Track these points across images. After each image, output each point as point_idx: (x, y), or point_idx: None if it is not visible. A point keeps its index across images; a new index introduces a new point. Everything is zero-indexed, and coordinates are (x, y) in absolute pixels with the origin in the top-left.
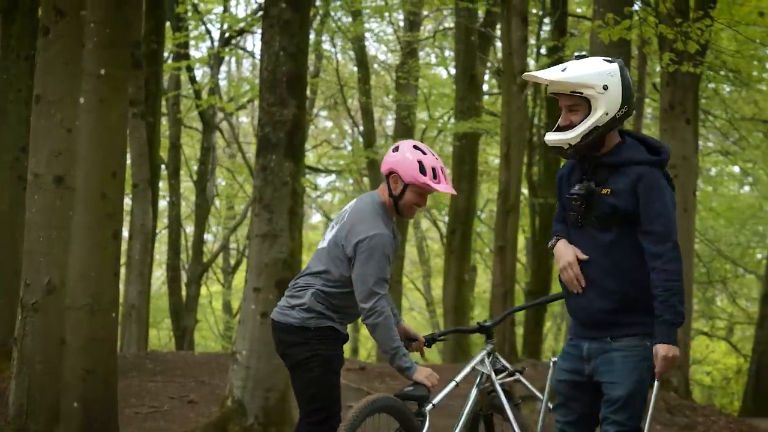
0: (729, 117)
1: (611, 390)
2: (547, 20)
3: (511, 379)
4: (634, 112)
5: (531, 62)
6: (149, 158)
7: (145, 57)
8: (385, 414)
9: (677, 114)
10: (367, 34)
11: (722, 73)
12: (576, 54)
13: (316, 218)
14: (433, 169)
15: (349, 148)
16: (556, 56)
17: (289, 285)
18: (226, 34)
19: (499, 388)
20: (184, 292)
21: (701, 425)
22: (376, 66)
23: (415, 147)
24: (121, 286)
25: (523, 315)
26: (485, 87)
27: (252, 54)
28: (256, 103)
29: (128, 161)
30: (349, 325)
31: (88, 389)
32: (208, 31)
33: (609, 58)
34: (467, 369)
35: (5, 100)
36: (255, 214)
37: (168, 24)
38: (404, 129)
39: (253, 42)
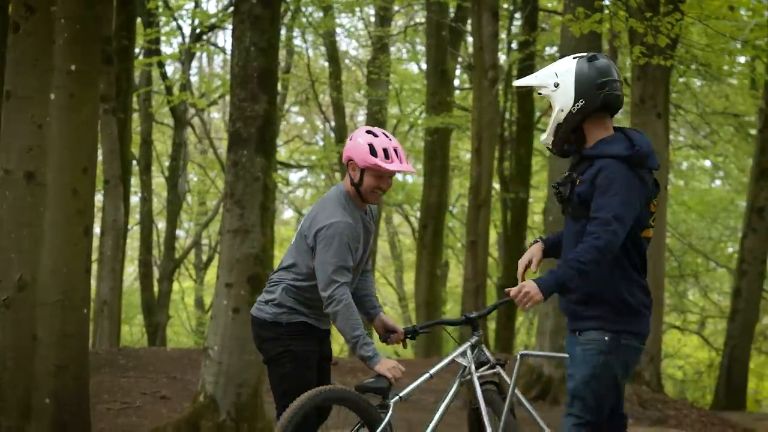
0: (700, 111)
1: (568, 382)
2: (517, 15)
3: (491, 372)
4: (601, 103)
5: (502, 57)
6: (120, 154)
7: (116, 53)
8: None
9: (648, 108)
10: (338, 30)
11: (693, 67)
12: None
13: (288, 214)
14: (385, 150)
15: (321, 143)
16: (527, 51)
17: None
18: (197, 30)
19: (476, 382)
20: (156, 288)
21: (673, 419)
22: (347, 61)
23: (368, 132)
24: (93, 283)
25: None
26: (456, 82)
27: (223, 50)
28: (228, 98)
29: (99, 157)
30: None
31: (60, 385)
32: (179, 27)
33: (579, 54)
34: (445, 361)
35: None
36: (226, 210)
37: (139, 20)
38: (376, 124)
39: (224, 38)
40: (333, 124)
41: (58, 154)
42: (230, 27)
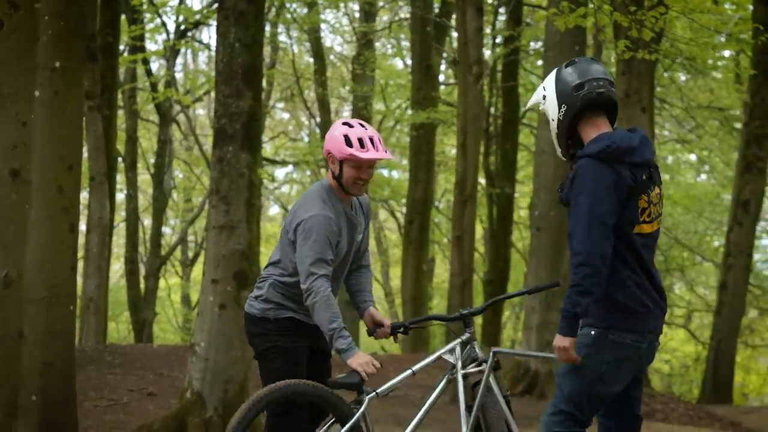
0: (685, 105)
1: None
2: (502, 10)
3: (476, 370)
4: (580, 104)
5: (487, 52)
6: (106, 151)
7: (100, 50)
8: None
9: (633, 102)
10: (323, 26)
11: (678, 61)
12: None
13: (273, 210)
14: (360, 140)
15: (306, 139)
16: (511, 46)
17: None
18: (182, 27)
19: (460, 380)
20: (142, 285)
21: (660, 413)
22: (332, 57)
23: (344, 123)
24: (79, 280)
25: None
26: (441, 77)
27: (208, 46)
28: (213, 95)
29: (84, 155)
30: None
31: (47, 382)
32: (164, 24)
33: (563, 64)
34: (430, 358)
35: None
36: (212, 206)
37: (123, 17)
38: (361, 119)
39: (209, 34)
40: (318, 120)
41: (43, 152)
42: (215, 23)
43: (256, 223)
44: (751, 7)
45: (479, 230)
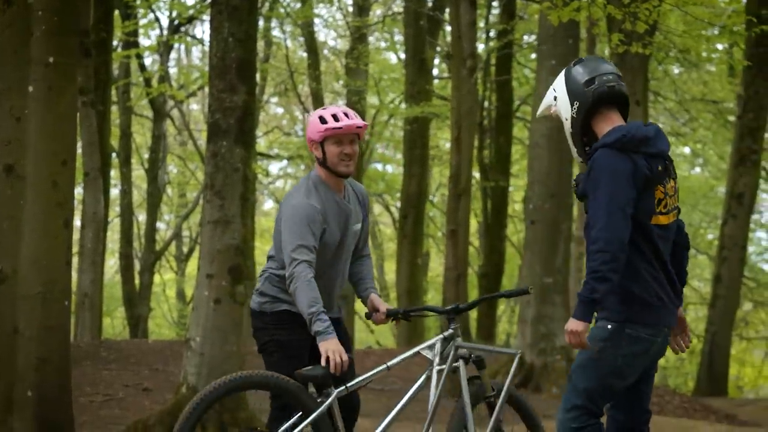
0: (679, 98)
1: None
2: (495, 3)
3: (455, 365)
4: (592, 99)
5: (480, 46)
6: (100, 147)
7: (94, 45)
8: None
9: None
10: (317, 20)
11: (671, 54)
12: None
13: (268, 204)
14: (333, 115)
15: (300, 134)
16: (505, 39)
17: None
18: (175, 22)
19: (434, 376)
20: (137, 281)
21: (655, 405)
22: (325, 51)
23: (319, 110)
24: (74, 275)
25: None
26: (435, 71)
27: (201, 41)
28: (207, 90)
29: (79, 150)
30: None
31: (42, 378)
32: (157, 19)
33: (571, 63)
34: (408, 353)
35: None
36: (206, 201)
37: (117, 12)
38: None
39: (202, 29)
40: None
41: (37, 147)
42: (208, 18)
43: (250, 218)
44: (743, 0)
45: (474, 224)
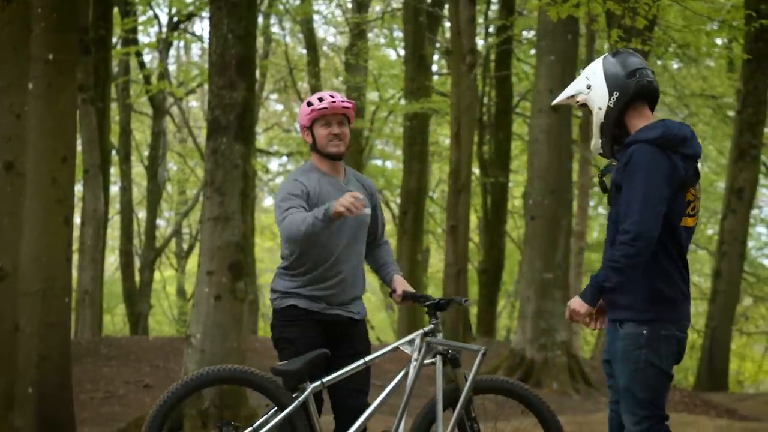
0: (678, 93)
1: (618, 379)
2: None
3: (430, 362)
4: (633, 90)
5: (479, 42)
6: (100, 144)
7: (93, 43)
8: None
9: None
10: (316, 17)
11: (671, 49)
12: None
13: (268, 201)
14: (319, 98)
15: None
16: (504, 35)
17: None
18: (175, 19)
19: (411, 372)
20: (137, 278)
21: None
22: (325, 48)
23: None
24: (74, 272)
25: (476, 294)
26: (434, 67)
27: (200, 38)
28: (206, 87)
29: (78, 147)
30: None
31: (43, 375)
32: (156, 16)
33: (607, 54)
34: (387, 348)
35: None
36: (206, 198)
37: (116, 9)
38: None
39: (202, 26)
40: None
41: (36, 144)
42: (207, 15)
43: (250, 215)
44: None
45: (474, 220)
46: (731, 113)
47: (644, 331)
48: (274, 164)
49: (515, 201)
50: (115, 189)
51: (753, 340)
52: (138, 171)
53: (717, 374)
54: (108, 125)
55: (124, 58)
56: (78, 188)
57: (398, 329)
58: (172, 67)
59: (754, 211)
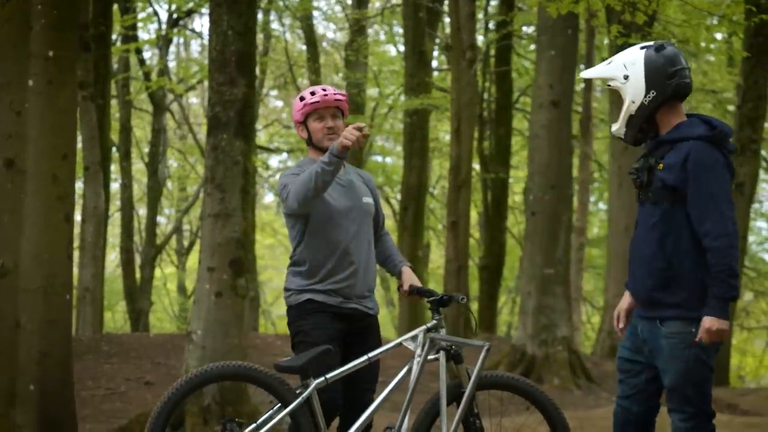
0: None
1: (663, 377)
2: None
3: (433, 358)
4: (672, 92)
5: (479, 37)
6: (100, 141)
7: (93, 40)
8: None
9: None
10: (315, 13)
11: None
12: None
13: (268, 198)
14: (311, 92)
15: None
16: (504, 31)
17: None
18: (174, 15)
19: (415, 368)
20: (138, 275)
21: None
22: (324, 44)
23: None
24: (75, 270)
25: (477, 290)
26: (434, 63)
27: (200, 34)
28: (206, 84)
29: (79, 144)
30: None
31: (44, 372)
32: (156, 13)
33: (647, 44)
34: (391, 344)
35: None
36: (207, 194)
37: (115, 6)
38: (354, 106)
39: (201, 22)
40: None
41: (37, 141)
42: (207, 11)
43: (251, 211)
44: None
45: (474, 216)
46: (731, 108)
47: (693, 330)
48: (274, 161)
49: (516, 197)
50: (115, 186)
51: (754, 336)
52: (138, 168)
53: (719, 369)
54: (108, 122)
55: (124, 55)
56: (78, 185)
57: (399, 325)
58: (172, 64)
59: (755, 206)
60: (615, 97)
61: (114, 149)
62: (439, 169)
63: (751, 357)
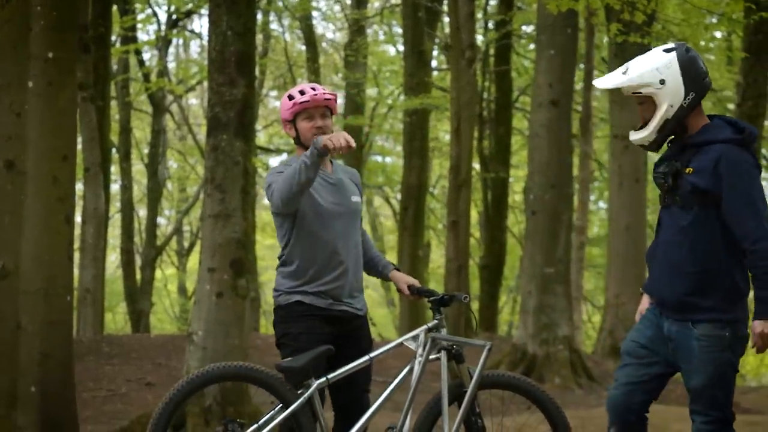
0: None
1: (688, 379)
2: None
3: (434, 357)
4: (707, 91)
5: (479, 37)
6: (100, 142)
7: (92, 41)
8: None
9: None
10: (315, 13)
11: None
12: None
13: None
14: (300, 91)
15: None
16: (503, 30)
17: None
18: (174, 16)
19: (416, 368)
20: (138, 276)
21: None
22: (324, 45)
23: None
24: (76, 271)
25: (478, 289)
26: (434, 62)
27: (199, 35)
28: (206, 84)
29: (79, 146)
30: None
31: (45, 373)
32: (155, 14)
33: (669, 47)
34: (392, 344)
35: None
36: (207, 195)
37: (115, 8)
38: (354, 106)
39: (201, 23)
40: None
41: (37, 142)
42: (206, 12)
43: (251, 212)
44: None
45: (474, 215)
46: (731, 106)
47: (727, 333)
48: (274, 161)
49: (516, 196)
50: (115, 187)
51: None
52: (138, 169)
53: None
54: (108, 123)
55: (124, 56)
56: (79, 187)
57: (400, 325)
58: (171, 65)
59: None
60: (616, 97)
61: (114, 150)
62: (439, 168)
63: (752, 356)
